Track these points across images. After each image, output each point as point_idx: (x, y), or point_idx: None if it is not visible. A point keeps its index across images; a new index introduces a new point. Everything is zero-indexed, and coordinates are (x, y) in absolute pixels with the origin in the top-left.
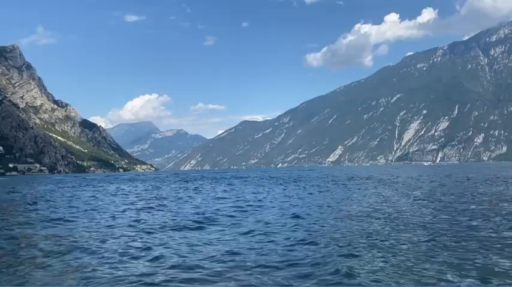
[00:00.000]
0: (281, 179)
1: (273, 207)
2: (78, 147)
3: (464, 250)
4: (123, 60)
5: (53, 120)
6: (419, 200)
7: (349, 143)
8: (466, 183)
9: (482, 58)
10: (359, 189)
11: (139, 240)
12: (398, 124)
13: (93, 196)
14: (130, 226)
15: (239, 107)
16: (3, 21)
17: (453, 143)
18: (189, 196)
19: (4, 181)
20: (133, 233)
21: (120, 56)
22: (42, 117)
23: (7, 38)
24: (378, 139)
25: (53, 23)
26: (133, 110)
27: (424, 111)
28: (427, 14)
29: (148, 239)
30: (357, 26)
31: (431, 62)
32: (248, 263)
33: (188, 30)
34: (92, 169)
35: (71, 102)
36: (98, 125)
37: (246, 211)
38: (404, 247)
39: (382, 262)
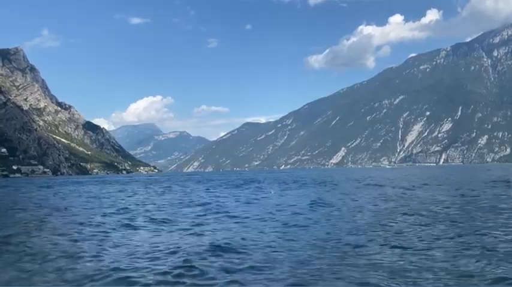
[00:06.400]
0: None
1: None
2: (81, 149)
3: None
4: (126, 63)
5: (56, 122)
6: None
7: (352, 145)
8: None
9: (485, 59)
10: None
11: None
12: (401, 126)
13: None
14: None
15: (242, 109)
16: (8, 24)
17: (456, 144)
18: None
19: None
20: None
21: (124, 58)
22: (45, 119)
23: (12, 41)
24: (381, 141)
25: (57, 26)
26: (136, 112)
27: (427, 113)
28: (431, 16)
29: None
30: (360, 27)
31: (434, 63)
32: None
33: (192, 33)
34: (95, 170)
35: (74, 104)
36: (101, 127)
37: None
38: None
39: None
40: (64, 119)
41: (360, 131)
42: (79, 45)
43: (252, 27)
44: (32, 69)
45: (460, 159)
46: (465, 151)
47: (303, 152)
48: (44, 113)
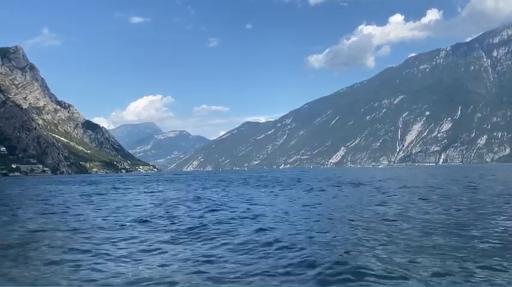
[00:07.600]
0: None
1: None
2: (80, 148)
3: None
4: (126, 62)
5: (56, 121)
6: None
7: (352, 145)
8: None
9: (485, 59)
10: None
11: None
12: (401, 125)
13: None
14: None
15: (242, 109)
16: (8, 23)
17: (456, 144)
18: None
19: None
20: None
21: (124, 57)
22: (45, 118)
23: (13, 40)
24: (381, 140)
25: (58, 25)
26: (136, 111)
27: (427, 113)
28: (431, 15)
29: None
30: (360, 27)
31: (434, 63)
32: None
33: (192, 32)
34: (94, 169)
35: (74, 103)
36: (101, 125)
37: None
38: None
39: None
40: (63, 118)
41: (359, 130)
42: (79, 44)
43: (252, 27)
44: (32, 68)
45: (460, 159)
46: (464, 151)
47: (302, 151)
48: (43, 111)
